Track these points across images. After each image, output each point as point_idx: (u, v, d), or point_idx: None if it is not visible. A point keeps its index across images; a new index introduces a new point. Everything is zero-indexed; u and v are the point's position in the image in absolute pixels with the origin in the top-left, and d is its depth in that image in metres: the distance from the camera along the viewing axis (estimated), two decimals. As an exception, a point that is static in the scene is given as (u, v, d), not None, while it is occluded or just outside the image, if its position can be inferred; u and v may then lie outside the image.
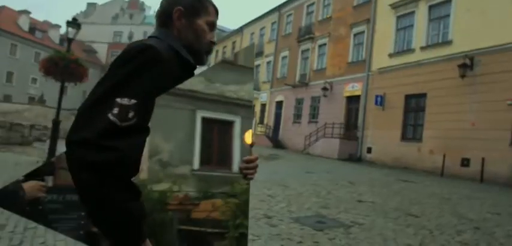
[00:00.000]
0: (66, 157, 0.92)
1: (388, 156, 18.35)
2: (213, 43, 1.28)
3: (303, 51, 27.92)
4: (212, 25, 1.27)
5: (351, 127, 21.78)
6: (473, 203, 8.42)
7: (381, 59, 20.09)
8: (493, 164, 13.79)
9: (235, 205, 1.20)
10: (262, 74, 33.68)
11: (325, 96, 23.83)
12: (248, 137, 1.25)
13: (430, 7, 17.87)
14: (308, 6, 28.46)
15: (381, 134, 19.17)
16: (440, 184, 11.99)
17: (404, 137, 18.23)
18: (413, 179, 12.76)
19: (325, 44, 25.51)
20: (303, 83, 26.63)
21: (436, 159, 15.89)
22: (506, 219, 6.95)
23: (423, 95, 17.43)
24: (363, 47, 21.77)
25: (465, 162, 14.94)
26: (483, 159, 13.93)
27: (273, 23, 33.29)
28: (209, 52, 1.28)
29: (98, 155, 0.88)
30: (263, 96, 32.61)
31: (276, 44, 31.96)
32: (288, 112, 28.50)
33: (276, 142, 27.65)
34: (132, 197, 0.95)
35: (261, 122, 32.16)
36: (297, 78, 27.69)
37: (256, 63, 35.68)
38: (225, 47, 43.08)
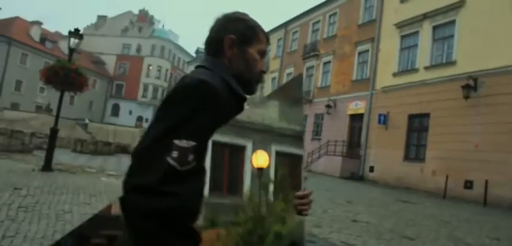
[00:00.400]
0: (125, 202, 0.89)
1: (390, 176, 18.14)
2: (263, 72, 1.24)
3: (307, 68, 27.99)
4: (263, 53, 1.23)
5: (353, 145, 21.65)
6: (473, 227, 8.24)
7: (384, 78, 20.03)
8: (496, 187, 13.54)
9: (237, 235, 1.13)
10: (268, 90, 33.75)
11: (328, 113, 23.78)
12: (261, 159, 1.18)
13: (434, 27, 17.86)
14: (314, 24, 28.63)
15: (384, 153, 18.99)
16: (441, 206, 11.78)
17: (407, 157, 18.04)
18: (414, 200, 12.56)
19: (329, 62, 25.56)
20: (307, 100, 26.60)
21: (438, 181, 15.66)
22: (506, 244, 6.77)
23: (426, 115, 17.29)
24: (367, 65, 21.76)
25: (468, 185, 14.69)
26: (486, 181, 13.68)
27: (279, 40, 33.49)
28: (259, 81, 1.23)
29: (160, 201, 0.86)
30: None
31: (282, 60, 32.10)
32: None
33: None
34: (194, 244, 0.93)
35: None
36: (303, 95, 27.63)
37: (261, 78, 36.03)
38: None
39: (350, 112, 22.21)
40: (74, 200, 6.32)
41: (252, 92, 1.21)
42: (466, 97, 15.21)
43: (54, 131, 9.36)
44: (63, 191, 6.90)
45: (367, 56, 21.87)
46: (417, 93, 17.70)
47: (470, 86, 15.20)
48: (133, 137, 25.17)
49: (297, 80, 1.32)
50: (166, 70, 59.18)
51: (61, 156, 12.03)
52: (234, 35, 1.16)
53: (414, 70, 18.48)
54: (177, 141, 0.90)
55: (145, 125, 41.57)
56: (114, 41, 59.74)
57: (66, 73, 9.21)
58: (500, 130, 14.16)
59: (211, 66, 1.13)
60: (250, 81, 1.19)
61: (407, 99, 18.19)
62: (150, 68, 57.54)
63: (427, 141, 17.12)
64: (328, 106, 23.65)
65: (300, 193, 1.20)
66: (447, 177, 15.09)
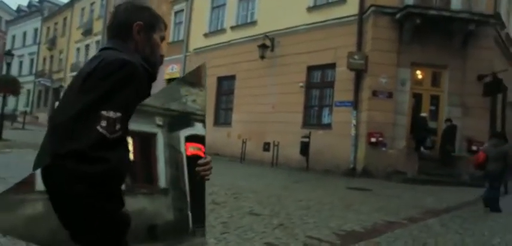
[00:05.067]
0: (50, 169, 0.93)
1: (200, 143, 17.15)
2: (163, 56, 1.36)
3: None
4: (163, 39, 1.35)
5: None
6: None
7: (197, 39, 18.79)
8: (286, 148, 13.55)
9: None
10: (91, 55, 29.62)
11: (147, 79, 21.64)
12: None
13: (240, -14, 17.11)
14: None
15: (196, 120, 17.87)
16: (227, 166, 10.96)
17: (216, 122, 17.30)
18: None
19: (149, 22, 23.18)
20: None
21: (243, 145, 15.19)
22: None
23: (233, 77, 16.64)
24: (183, 26, 20.18)
25: (266, 147, 14.46)
26: (278, 143, 13.58)
27: (102, -1, 29.46)
28: (160, 64, 1.35)
29: (91, 166, 0.92)
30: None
31: (104, 21, 28.24)
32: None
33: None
34: (120, 207, 1.02)
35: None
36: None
37: (85, 42, 31.55)
38: (56, 23, 37.13)
39: (167, 77, 20.38)
40: None
41: (156, 73, 1.31)
42: (262, 57, 14.85)
43: None
44: None
45: (183, 16, 20.27)
46: (225, 55, 16.83)
47: (266, 45, 14.86)
48: None
49: (201, 69, 1.38)
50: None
51: None
52: (142, 22, 1.26)
53: (223, 30, 17.61)
54: (104, 112, 0.98)
55: None
56: None
57: None
58: (292, 90, 14.21)
59: (120, 48, 1.18)
60: (155, 64, 1.30)
61: (216, 61, 17.12)
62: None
63: (233, 105, 16.53)
64: (146, 71, 21.46)
65: (201, 161, 1.32)
66: (244, 140, 14.65)
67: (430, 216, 6.06)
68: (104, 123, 0.96)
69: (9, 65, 15.36)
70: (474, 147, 11.57)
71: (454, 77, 12.16)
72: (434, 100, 12.64)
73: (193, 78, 1.36)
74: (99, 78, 1.02)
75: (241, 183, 8.14)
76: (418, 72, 12.72)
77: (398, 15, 11.77)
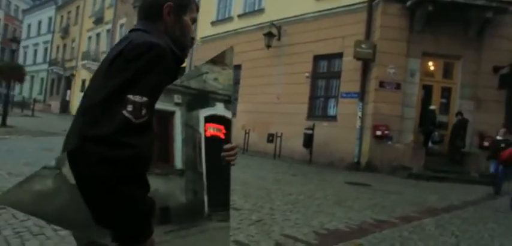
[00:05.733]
0: (77, 152, 0.92)
1: (205, 134, 16.93)
2: (193, 39, 1.32)
3: (139, 18, 24.98)
4: (194, 21, 1.31)
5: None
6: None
7: (205, 28, 18.41)
8: (290, 140, 13.17)
9: None
10: (103, 44, 29.75)
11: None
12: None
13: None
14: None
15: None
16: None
17: (221, 112, 16.98)
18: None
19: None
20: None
21: (249, 135, 14.86)
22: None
23: (239, 67, 16.28)
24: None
25: (270, 138, 14.09)
26: (282, 134, 13.20)
27: (113, -13, 29.45)
28: (191, 47, 1.32)
29: (118, 151, 0.91)
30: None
31: (115, 9, 28.30)
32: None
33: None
34: (146, 192, 0.99)
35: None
36: (133, 48, 24.76)
37: (97, 31, 31.67)
38: (69, 11, 37.43)
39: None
40: None
41: (185, 56, 1.27)
42: (268, 46, 14.43)
43: None
44: None
45: (192, 4, 20.00)
46: (231, 44, 15.29)
47: (273, 34, 14.43)
48: None
49: (226, 53, 1.38)
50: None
51: None
52: (173, 3, 1.22)
53: (230, 18, 17.27)
54: (131, 96, 0.96)
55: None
56: None
57: None
58: (298, 81, 13.79)
59: (150, 30, 1.16)
60: (185, 46, 1.26)
61: (223, 49, 16.87)
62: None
63: (238, 95, 16.19)
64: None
65: (228, 146, 1.31)
66: (247, 131, 14.25)
67: (428, 215, 5.62)
68: (129, 107, 0.95)
69: (14, 52, 15.40)
70: (486, 143, 10.98)
71: (467, 69, 11.51)
72: (446, 92, 12.01)
73: (218, 59, 1.34)
74: (126, 61, 1.01)
75: (234, 174, 7.82)
76: (430, 63, 12.10)
77: (409, 2, 11.16)
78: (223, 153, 1.29)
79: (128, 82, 0.97)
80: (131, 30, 1.18)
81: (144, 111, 0.96)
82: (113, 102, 0.94)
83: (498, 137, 9.56)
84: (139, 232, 0.98)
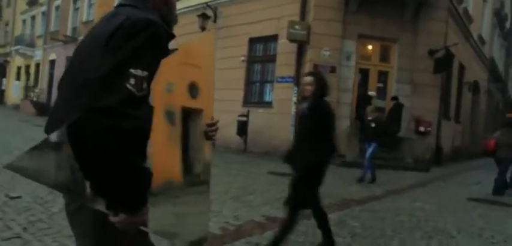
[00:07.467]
0: (82, 122, 0.92)
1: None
2: (176, 16, 1.38)
3: (74, 1, 23.07)
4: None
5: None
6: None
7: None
8: (226, 128, 12.28)
9: None
10: (37, 27, 27.42)
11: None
12: None
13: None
14: None
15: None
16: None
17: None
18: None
19: (95, -9, 21.29)
20: (74, 38, 21.98)
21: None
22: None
23: (172, 51, 15.14)
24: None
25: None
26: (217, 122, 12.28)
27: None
28: (175, 23, 1.36)
29: (124, 121, 0.94)
30: (37, 54, 26.59)
31: (50, -10, 26.09)
32: (60, 73, 23.49)
33: (44, 108, 22.49)
34: (145, 161, 1.04)
35: (36, 84, 26.36)
36: (69, 32, 22.89)
37: (31, 13, 29.19)
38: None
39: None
40: None
41: (172, 32, 1.28)
42: (203, 28, 13.40)
43: None
44: None
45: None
46: None
47: (207, 16, 13.43)
48: None
49: (210, 36, 1.51)
50: None
51: None
52: None
53: None
54: (133, 70, 0.99)
55: None
56: None
57: None
58: (234, 65, 12.91)
59: (139, 6, 1.18)
60: (171, 23, 1.31)
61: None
62: None
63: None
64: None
65: (209, 121, 1.45)
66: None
67: (336, 209, 4.92)
68: (132, 81, 0.98)
69: None
70: (422, 128, 10.66)
71: (404, 52, 11.13)
72: (383, 76, 11.58)
73: (202, 46, 1.44)
74: (127, 36, 1.03)
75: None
76: (366, 45, 11.60)
77: (344, -19, 10.58)
78: (206, 129, 1.42)
79: (130, 57, 1.00)
80: (118, 5, 1.19)
81: (144, 85, 1.00)
82: (116, 76, 0.97)
83: (369, 118, 8.09)
84: (137, 201, 1.01)
